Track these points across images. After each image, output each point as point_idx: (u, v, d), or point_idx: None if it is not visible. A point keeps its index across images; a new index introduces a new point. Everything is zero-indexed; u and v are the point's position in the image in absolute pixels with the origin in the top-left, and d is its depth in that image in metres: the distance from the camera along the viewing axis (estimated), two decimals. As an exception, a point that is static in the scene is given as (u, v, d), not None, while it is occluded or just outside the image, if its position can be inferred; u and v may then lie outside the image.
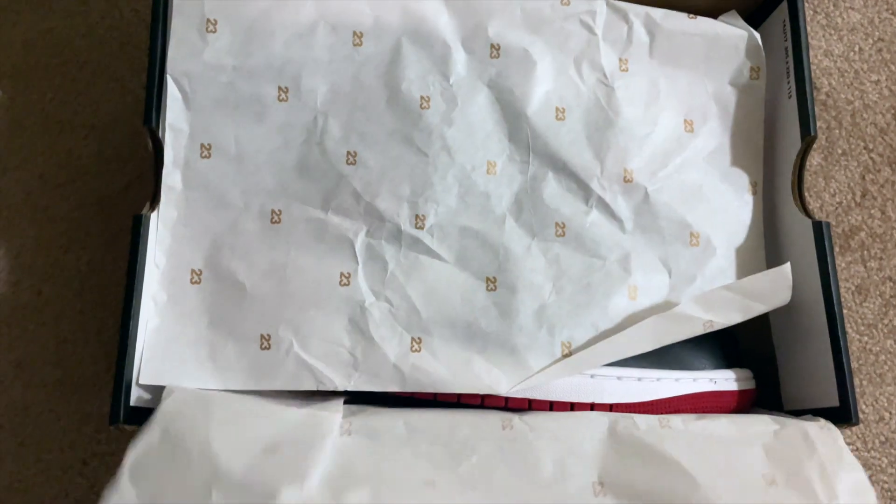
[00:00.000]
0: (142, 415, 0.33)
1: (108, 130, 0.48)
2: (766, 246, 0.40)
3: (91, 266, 0.46)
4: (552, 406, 0.35)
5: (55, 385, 0.44)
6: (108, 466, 0.42)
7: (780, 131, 0.39)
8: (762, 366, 0.40)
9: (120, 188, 0.48)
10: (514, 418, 0.32)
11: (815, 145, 0.50)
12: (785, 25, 0.39)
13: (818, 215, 0.49)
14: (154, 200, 0.36)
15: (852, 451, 0.46)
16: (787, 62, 0.39)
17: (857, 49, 0.52)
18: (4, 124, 0.48)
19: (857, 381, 0.47)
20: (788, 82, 0.39)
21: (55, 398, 0.44)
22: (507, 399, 0.35)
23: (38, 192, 0.47)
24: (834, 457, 0.31)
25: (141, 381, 0.33)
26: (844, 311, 0.48)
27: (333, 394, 0.36)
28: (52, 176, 0.47)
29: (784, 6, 0.39)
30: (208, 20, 0.36)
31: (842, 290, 0.48)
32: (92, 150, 0.48)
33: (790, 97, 0.38)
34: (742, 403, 0.37)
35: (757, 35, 0.39)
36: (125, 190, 0.48)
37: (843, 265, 0.48)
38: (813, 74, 0.51)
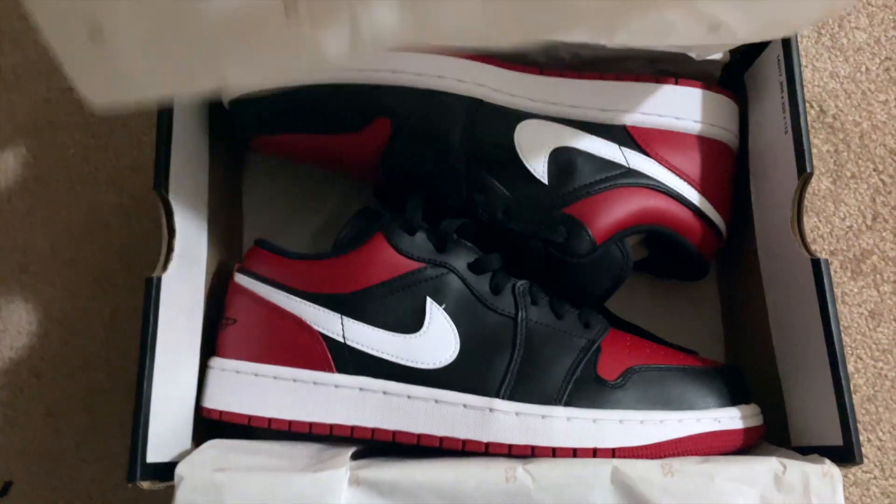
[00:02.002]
0: (157, 469, 0.34)
1: (127, 182, 0.50)
2: (766, 280, 0.41)
3: (115, 315, 0.48)
4: (555, 452, 0.35)
5: (84, 433, 0.46)
6: (134, 512, 0.44)
7: (778, 166, 0.39)
8: (771, 396, 0.40)
9: (141, 237, 0.50)
10: (518, 468, 0.33)
11: (822, 168, 0.50)
12: (779, 60, 0.39)
13: (828, 240, 0.49)
14: (167, 261, 0.37)
15: (870, 479, 0.46)
16: (782, 97, 0.39)
17: (863, 69, 0.51)
18: (30, 181, 0.50)
19: (872, 408, 0.47)
20: (785, 117, 0.39)
21: (84, 446, 0.46)
22: (510, 447, 0.35)
23: (64, 245, 0.49)
24: None
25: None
26: (858, 337, 0.48)
27: (342, 440, 0.37)
28: (76, 228, 0.50)
29: (778, 42, 0.39)
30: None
31: (854, 316, 0.48)
32: (113, 201, 0.50)
33: (787, 132, 0.39)
34: (749, 441, 0.37)
35: None
36: (146, 238, 0.50)
37: (856, 290, 0.48)
38: (819, 97, 0.51)
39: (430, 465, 0.34)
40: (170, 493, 0.44)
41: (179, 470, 0.33)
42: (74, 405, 0.46)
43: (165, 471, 0.34)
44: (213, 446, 0.36)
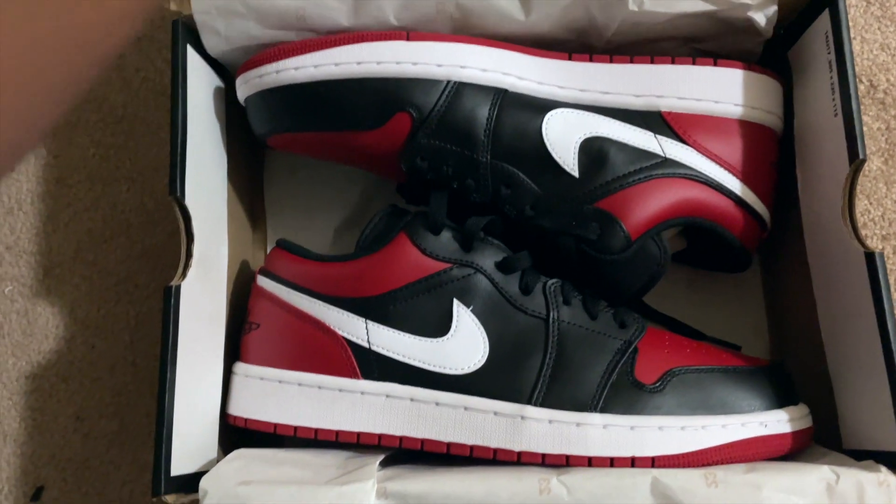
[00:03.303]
0: (182, 482, 0.33)
1: (147, 182, 0.49)
2: (815, 273, 0.38)
3: (140, 317, 0.47)
4: (591, 462, 0.34)
5: (113, 436, 0.46)
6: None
7: (826, 151, 0.37)
8: (820, 393, 0.38)
9: (163, 238, 0.49)
10: (552, 479, 0.32)
11: (873, 148, 0.47)
12: (827, 37, 0.37)
13: (880, 224, 0.46)
14: (186, 267, 0.36)
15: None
16: (831, 77, 0.36)
17: (917, 40, 0.48)
18: (51, 182, 0.50)
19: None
20: (834, 99, 0.36)
21: (113, 449, 0.45)
22: (543, 456, 0.34)
23: (86, 247, 0.49)
24: None
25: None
26: (912, 327, 0.45)
27: (369, 448, 0.36)
28: (98, 230, 0.49)
29: (826, 16, 0.37)
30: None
31: (909, 305, 0.45)
32: (135, 202, 0.49)
33: (836, 115, 0.36)
34: (797, 444, 0.35)
35: None
36: (169, 239, 0.49)
37: (910, 277, 0.45)
38: (868, 70, 0.48)
39: (460, 477, 0.32)
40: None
41: (204, 484, 0.32)
42: (103, 409, 0.46)
43: (190, 482, 0.34)
44: (238, 457, 0.35)
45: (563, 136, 0.38)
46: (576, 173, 0.38)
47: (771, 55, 0.41)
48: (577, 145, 0.38)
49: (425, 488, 0.32)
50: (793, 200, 0.40)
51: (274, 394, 0.37)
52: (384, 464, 0.35)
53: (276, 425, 0.37)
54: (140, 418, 0.46)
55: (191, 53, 0.39)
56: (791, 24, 0.40)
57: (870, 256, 0.34)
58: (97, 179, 0.50)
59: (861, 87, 0.48)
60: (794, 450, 0.35)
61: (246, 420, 0.37)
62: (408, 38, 0.38)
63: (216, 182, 0.41)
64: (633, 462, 0.33)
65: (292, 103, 0.39)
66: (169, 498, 0.33)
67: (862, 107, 0.47)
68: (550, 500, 0.31)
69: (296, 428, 0.37)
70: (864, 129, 0.47)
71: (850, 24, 0.47)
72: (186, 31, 0.38)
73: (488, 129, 0.38)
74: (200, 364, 0.37)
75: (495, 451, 0.34)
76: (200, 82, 0.40)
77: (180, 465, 0.34)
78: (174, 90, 0.37)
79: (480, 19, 0.39)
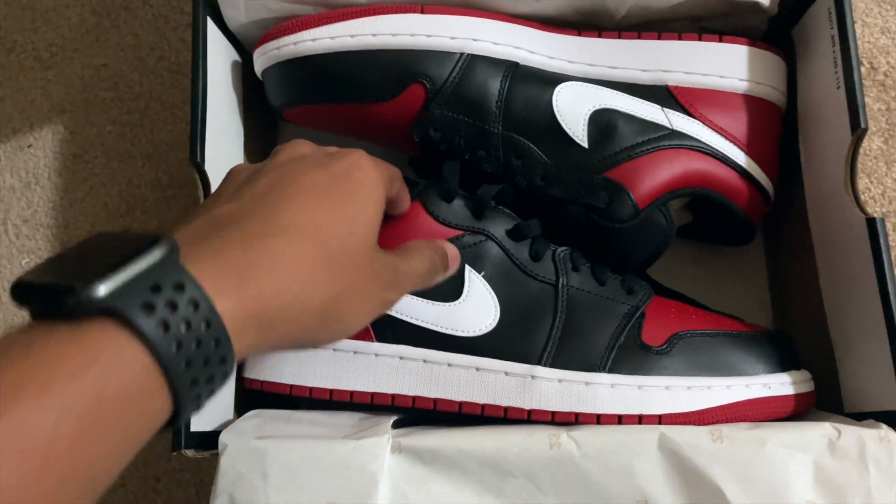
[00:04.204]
0: (201, 438, 0.34)
1: (163, 158, 0.50)
2: (818, 243, 0.39)
3: (154, 290, 0.48)
4: (599, 419, 0.34)
5: (127, 405, 0.46)
6: (179, 483, 0.45)
7: (829, 124, 0.38)
8: (822, 362, 0.39)
9: (179, 212, 0.50)
10: (562, 434, 0.32)
11: (874, 128, 0.48)
12: (830, 13, 0.38)
13: (880, 202, 0.47)
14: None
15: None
16: (833, 51, 0.37)
17: (917, 24, 0.49)
18: (68, 158, 0.51)
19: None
20: (836, 72, 0.37)
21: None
22: (553, 414, 0.35)
23: (102, 222, 0.50)
24: (883, 481, 0.30)
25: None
26: (912, 302, 0.46)
27: (382, 410, 0.37)
28: (114, 206, 0.50)
29: (829, -8, 0.38)
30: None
31: (908, 280, 0.46)
32: (150, 178, 0.50)
33: (839, 88, 0.37)
34: (799, 407, 0.36)
35: None
36: (184, 213, 0.50)
37: (910, 253, 0.46)
38: (870, 53, 0.49)
39: (472, 433, 0.33)
40: (212, 461, 0.45)
41: (223, 438, 0.33)
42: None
43: (208, 439, 0.34)
44: (256, 415, 0.36)
45: (572, 108, 0.39)
46: (585, 144, 0.39)
47: (776, 33, 0.42)
48: (587, 117, 0.39)
49: (438, 443, 0.33)
50: (795, 176, 0.41)
51: (290, 357, 0.38)
52: (397, 425, 0.35)
53: (291, 387, 0.38)
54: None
55: (211, 26, 0.40)
56: (795, 3, 0.41)
57: (871, 222, 0.35)
58: (113, 155, 0.51)
59: (862, 70, 0.49)
60: (796, 412, 0.36)
61: (262, 382, 0.38)
62: (422, 11, 0.39)
63: (234, 153, 0.42)
64: (641, 419, 0.34)
65: (309, 74, 0.40)
66: (189, 452, 0.34)
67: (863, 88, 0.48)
68: (560, 454, 0.32)
69: (311, 389, 0.38)
70: (866, 109, 0.48)
71: (852, 8, 0.49)
72: (207, 4, 0.39)
73: (500, 101, 0.39)
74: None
75: (506, 409, 0.35)
76: (219, 55, 0.40)
77: (199, 423, 0.35)
78: (195, 60, 0.38)
79: (493, 1, 0.40)
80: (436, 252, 0.34)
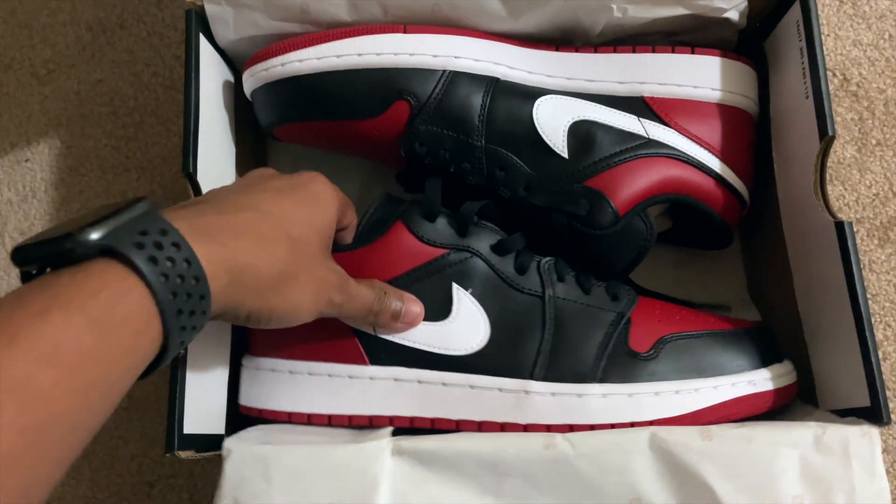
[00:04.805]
0: (194, 440, 0.35)
1: (157, 171, 0.52)
2: (791, 246, 0.40)
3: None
4: (593, 429, 0.35)
5: (121, 411, 0.47)
6: (173, 489, 0.45)
7: (799, 131, 0.39)
8: (797, 361, 0.40)
9: (171, 224, 0.51)
10: (557, 437, 0.33)
11: (847, 137, 0.50)
12: (798, 26, 0.39)
13: (854, 208, 0.49)
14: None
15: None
16: (802, 62, 0.39)
17: (886, 36, 0.51)
18: (65, 171, 0.52)
19: (902, 375, 0.46)
20: (805, 82, 0.39)
21: (122, 424, 0.47)
22: (549, 427, 0.36)
23: (97, 234, 0.51)
24: (865, 475, 0.32)
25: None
26: (886, 305, 0.47)
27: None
28: (109, 217, 0.51)
29: (797, 7, 0.39)
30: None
31: (883, 283, 0.47)
32: (145, 190, 0.51)
33: (807, 97, 0.38)
34: (784, 399, 0.37)
35: None
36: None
37: (883, 257, 0.48)
38: (842, 65, 0.51)
39: (470, 435, 0.35)
40: (206, 467, 0.46)
41: (227, 444, 0.34)
42: (113, 387, 0.48)
43: (201, 441, 0.35)
44: (258, 428, 0.37)
45: (552, 120, 0.40)
46: (565, 154, 0.40)
47: (749, 46, 0.44)
48: (566, 128, 0.40)
49: (437, 445, 0.33)
50: (769, 180, 0.43)
51: (286, 384, 0.38)
52: (396, 431, 0.36)
53: (290, 414, 0.38)
54: (148, 393, 0.47)
55: (203, 43, 0.41)
56: (766, 18, 0.42)
57: (839, 226, 0.36)
58: (108, 169, 0.52)
59: (835, 81, 0.50)
60: (780, 404, 0.37)
61: (260, 410, 0.39)
62: (405, 31, 0.40)
63: (225, 167, 0.43)
64: (633, 427, 0.35)
65: (297, 94, 0.41)
66: (184, 453, 0.34)
67: (836, 98, 0.50)
68: (556, 455, 0.33)
69: (309, 415, 0.38)
70: (839, 119, 0.50)
71: (824, 21, 0.51)
72: (199, 21, 0.41)
73: (482, 115, 0.40)
74: (207, 354, 0.38)
75: (503, 425, 0.36)
76: (211, 71, 0.42)
77: (190, 426, 0.36)
78: (188, 75, 0.39)
79: (473, 18, 0.41)
80: (395, 299, 0.36)
